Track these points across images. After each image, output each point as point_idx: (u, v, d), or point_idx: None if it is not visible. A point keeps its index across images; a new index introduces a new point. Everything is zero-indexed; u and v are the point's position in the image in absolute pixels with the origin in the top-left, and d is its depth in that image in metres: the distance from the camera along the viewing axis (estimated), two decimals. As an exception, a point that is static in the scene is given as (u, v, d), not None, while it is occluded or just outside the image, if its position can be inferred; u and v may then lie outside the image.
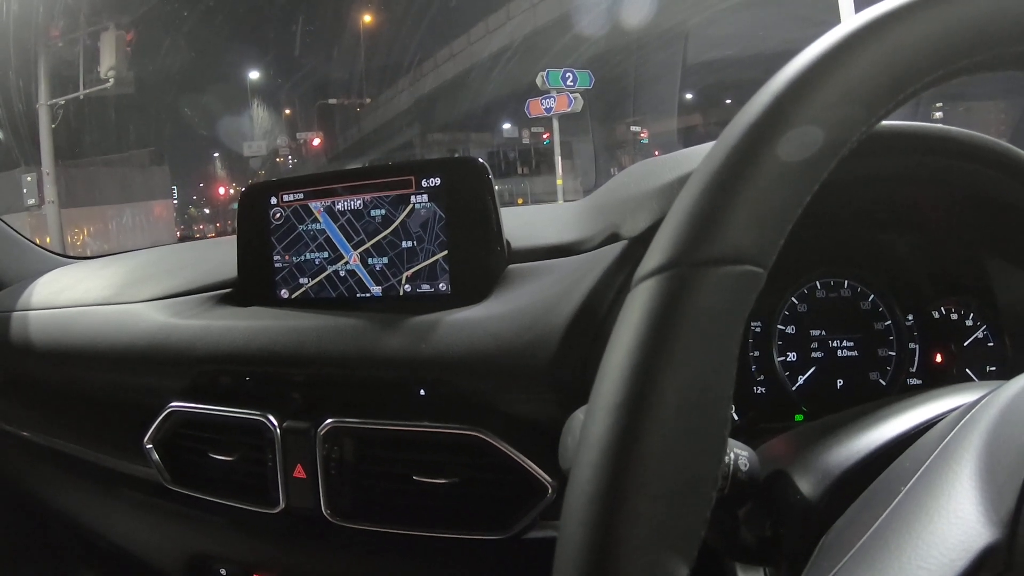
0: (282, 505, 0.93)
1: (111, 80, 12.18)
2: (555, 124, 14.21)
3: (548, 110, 13.83)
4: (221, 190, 30.92)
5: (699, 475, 0.31)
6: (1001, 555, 0.33)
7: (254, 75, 28.16)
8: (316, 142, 29.19)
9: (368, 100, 28.94)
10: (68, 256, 1.60)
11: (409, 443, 0.88)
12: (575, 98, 13.59)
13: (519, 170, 22.85)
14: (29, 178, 12.40)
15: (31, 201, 12.30)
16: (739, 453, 0.51)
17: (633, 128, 21.46)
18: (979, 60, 0.35)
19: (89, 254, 1.65)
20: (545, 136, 19.69)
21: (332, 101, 30.00)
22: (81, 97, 12.54)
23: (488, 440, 0.81)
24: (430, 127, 26.58)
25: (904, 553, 0.36)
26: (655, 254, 0.33)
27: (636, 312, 0.32)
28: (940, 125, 0.77)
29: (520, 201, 18.36)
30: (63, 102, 12.18)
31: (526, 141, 23.47)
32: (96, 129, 16.66)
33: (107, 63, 12.14)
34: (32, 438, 1.29)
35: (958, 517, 0.35)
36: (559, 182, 14.47)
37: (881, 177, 0.82)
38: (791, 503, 0.51)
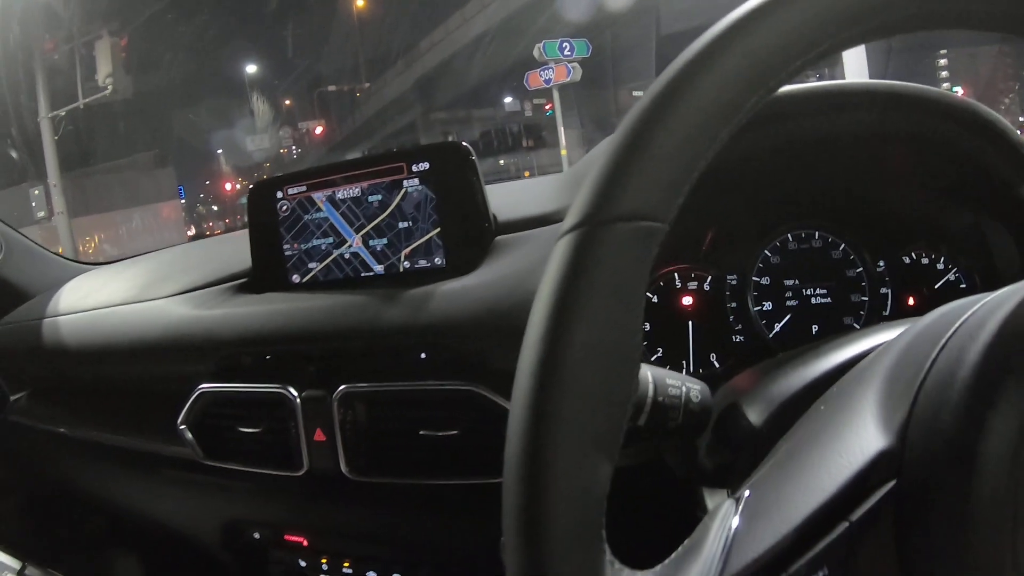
0: (306, 467, 1.00)
1: (109, 87, 12.13)
2: (556, 95, 14.03)
3: (547, 81, 13.63)
4: (228, 186, 30.77)
5: (613, 388, 0.37)
6: (894, 459, 0.38)
7: (251, 68, 27.89)
8: (319, 130, 29.02)
9: (367, 85, 28.57)
10: (87, 263, 1.65)
11: (414, 401, 0.95)
12: (573, 67, 13.39)
13: (524, 143, 22.61)
14: (37, 191, 12.37)
15: (40, 214, 12.26)
16: (691, 387, 0.57)
17: (635, 93, 21.21)
18: (868, 27, 0.38)
19: (103, 260, 1.70)
20: (548, 107, 19.45)
21: (331, 88, 29.66)
22: (81, 107, 12.49)
23: (483, 393, 0.88)
24: (432, 106, 26.24)
25: (811, 457, 0.42)
26: (571, 215, 0.38)
27: (554, 263, 0.38)
28: (895, 82, 0.82)
29: (527, 174, 18.16)
30: (64, 113, 12.16)
31: (529, 113, 23.20)
32: (99, 137, 16.60)
33: (104, 71, 12.07)
34: (68, 433, 1.35)
35: (859, 426, 0.41)
36: (563, 152, 14.34)
37: (847, 134, 0.86)
38: (741, 430, 0.59)
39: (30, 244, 1.57)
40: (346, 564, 1.08)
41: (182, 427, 1.10)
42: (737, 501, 0.43)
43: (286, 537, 1.13)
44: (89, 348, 1.26)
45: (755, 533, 0.39)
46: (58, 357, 1.31)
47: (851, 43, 0.39)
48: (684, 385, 0.56)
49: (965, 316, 0.42)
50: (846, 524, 0.37)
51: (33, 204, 12.44)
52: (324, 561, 1.10)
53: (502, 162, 21.84)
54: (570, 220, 0.38)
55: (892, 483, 0.37)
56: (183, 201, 22.87)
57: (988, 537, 0.34)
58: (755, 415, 0.58)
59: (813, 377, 0.57)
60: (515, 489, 0.36)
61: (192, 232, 21.71)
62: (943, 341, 0.41)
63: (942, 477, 0.36)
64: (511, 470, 0.36)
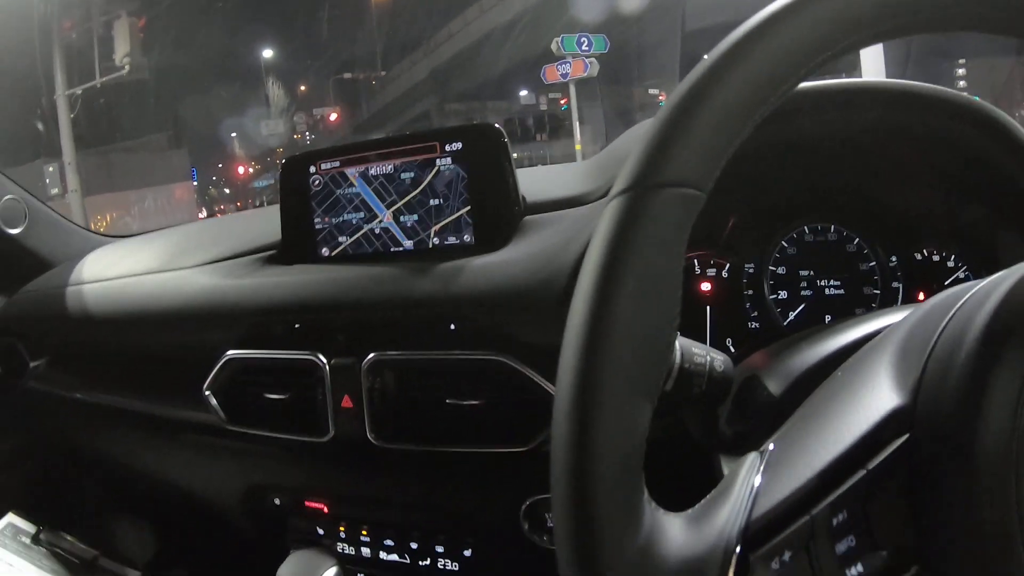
0: (332, 433, 1.01)
1: (126, 67, 12.17)
2: (572, 89, 14.05)
3: (564, 76, 13.65)
4: (240, 170, 30.82)
5: (656, 336, 0.40)
6: (907, 415, 0.41)
7: (268, 54, 27.89)
8: (333, 117, 28.98)
9: (383, 73, 28.48)
10: (110, 235, 1.65)
11: (442, 371, 0.97)
12: (591, 63, 13.40)
13: (538, 136, 22.60)
14: (51, 168, 12.43)
15: (54, 191, 12.29)
16: (715, 356, 0.61)
17: (651, 91, 21.20)
18: (911, 21, 0.41)
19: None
20: (563, 102, 19.42)
21: (347, 75, 29.55)
22: (98, 85, 12.51)
23: (510, 364, 0.90)
24: (447, 97, 26.14)
25: (830, 413, 0.45)
26: (621, 180, 0.42)
27: (605, 222, 0.41)
28: (907, 81, 0.84)
29: (540, 166, 18.08)
30: (80, 92, 12.19)
31: (544, 107, 23.19)
32: (114, 117, 16.63)
33: (122, 50, 12.09)
34: (87, 399, 1.37)
35: (875, 386, 0.44)
36: (578, 147, 14.36)
37: (860, 130, 0.89)
38: (760, 400, 0.62)
39: (54, 215, 1.57)
40: (364, 532, 1.11)
41: (207, 393, 1.12)
42: (762, 454, 0.46)
43: (306, 503, 1.15)
44: (112, 316, 1.28)
45: (779, 480, 0.42)
46: (81, 325, 1.32)
47: (873, 40, 0.42)
48: (708, 355, 0.59)
49: (971, 292, 0.46)
50: (864, 472, 0.40)
51: (47, 181, 12.47)
52: (342, 528, 1.12)
53: (516, 155, 21.80)
54: (620, 184, 0.42)
55: (906, 436, 0.41)
56: (195, 183, 22.87)
57: (992, 488, 0.37)
58: (774, 386, 0.61)
59: (829, 352, 0.60)
60: (566, 425, 0.39)
61: (203, 214, 21.68)
62: (951, 313, 0.45)
63: (950, 432, 0.39)
64: (562, 407, 0.39)
